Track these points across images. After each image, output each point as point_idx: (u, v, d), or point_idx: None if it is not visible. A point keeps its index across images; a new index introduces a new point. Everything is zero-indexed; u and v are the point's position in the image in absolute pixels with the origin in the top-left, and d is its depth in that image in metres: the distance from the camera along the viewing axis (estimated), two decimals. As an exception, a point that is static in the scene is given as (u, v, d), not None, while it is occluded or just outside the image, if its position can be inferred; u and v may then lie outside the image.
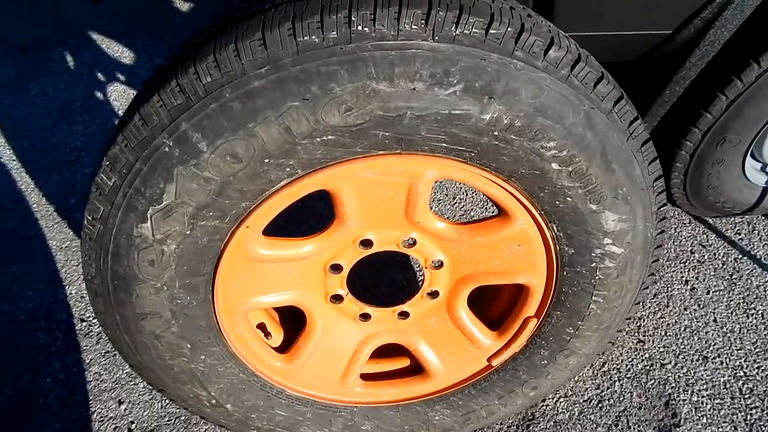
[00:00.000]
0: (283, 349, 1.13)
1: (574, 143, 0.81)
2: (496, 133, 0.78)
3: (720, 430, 1.41)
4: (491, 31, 0.73)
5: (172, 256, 0.85)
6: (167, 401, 1.44)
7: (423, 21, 0.71)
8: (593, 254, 0.95)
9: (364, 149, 0.79)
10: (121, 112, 2.21)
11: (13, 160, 2.03)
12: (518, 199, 0.90)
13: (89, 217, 0.84)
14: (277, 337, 1.15)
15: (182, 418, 1.42)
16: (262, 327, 1.13)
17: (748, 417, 1.43)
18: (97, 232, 0.84)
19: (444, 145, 0.80)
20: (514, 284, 1.07)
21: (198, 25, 2.54)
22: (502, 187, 0.88)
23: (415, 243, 1.00)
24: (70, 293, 1.67)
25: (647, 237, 0.96)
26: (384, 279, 1.69)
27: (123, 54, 2.45)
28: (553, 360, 1.11)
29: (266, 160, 0.77)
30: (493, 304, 1.15)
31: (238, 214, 0.84)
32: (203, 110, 0.73)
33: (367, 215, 0.93)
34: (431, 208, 1.11)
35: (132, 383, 1.48)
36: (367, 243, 0.98)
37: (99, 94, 2.28)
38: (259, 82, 0.72)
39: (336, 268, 1.02)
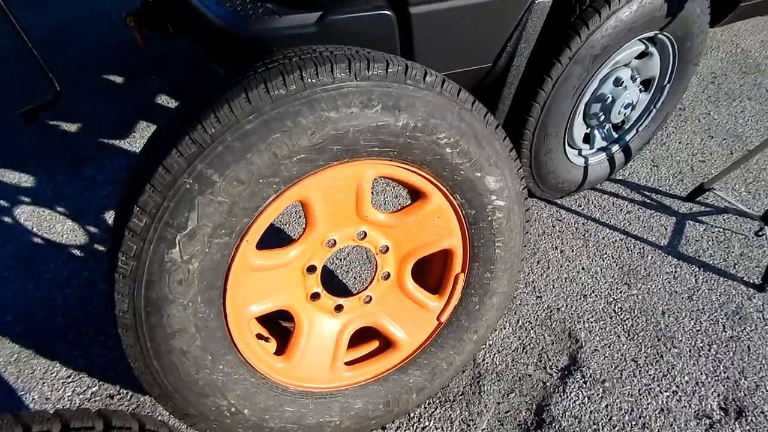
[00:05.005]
0: (278, 353, 1.36)
1: (456, 132, 1.23)
2: (407, 133, 1.18)
3: (609, 340, 1.87)
4: (390, 70, 1.15)
5: (196, 273, 1.09)
6: None
7: (348, 69, 1.10)
8: (487, 210, 1.36)
9: (324, 161, 1.13)
10: (35, 230, 2.28)
11: (-71, 298, 2.00)
12: (430, 181, 1.29)
13: (122, 258, 1.06)
14: (272, 343, 1.38)
15: None
16: (259, 336, 1.35)
17: (624, 326, 1.91)
18: (130, 269, 1.06)
19: (376, 149, 1.17)
20: (441, 253, 1.44)
21: (87, 145, 2.71)
22: (418, 173, 1.27)
23: (366, 235, 1.34)
24: (29, 403, 1.70)
25: (517, 191, 1.40)
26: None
27: (20, 179, 2.52)
28: (482, 303, 1.48)
29: (261, 180, 1.08)
30: (430, 274, 1.51)
31: (241, 230, 1.12)
32: (213, 152, 1.03)
33: (330, 217, 1.25)
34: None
35: None
36: (331, 242, 1.30)
37: (6, 218, 2.33)
38: (250, 125, 1.04)
39: (311, 269, 1.31)
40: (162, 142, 1.08)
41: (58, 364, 1.79)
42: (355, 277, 2.09)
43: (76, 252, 2.21)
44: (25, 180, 2.53)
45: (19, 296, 2.01)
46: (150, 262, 1.05)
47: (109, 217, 2.34)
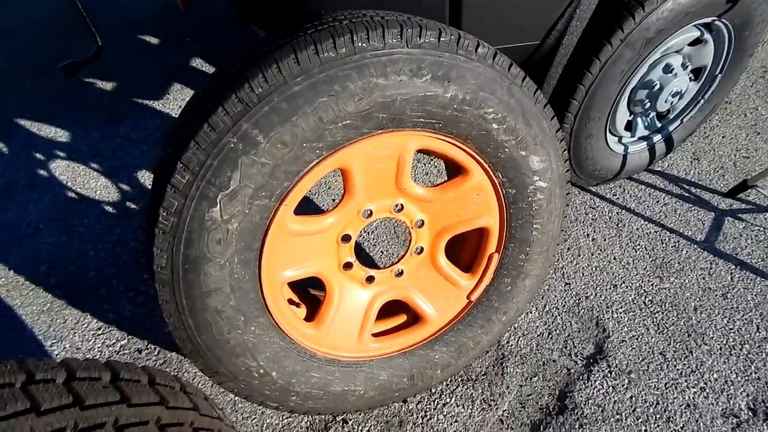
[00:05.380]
0: (307, 319, 1.37)
1: (504, 108, 1.20)
2: (455, 105, 1.15)
3: (637, 332, 1.84)
4: (441, 39, 1.11)
5: (234, 234, 1.09)
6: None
7: (399, 36, 1.07)
8: (528, 190, 1.33)
9: (368, 129, 1.11)
10: (70, 184, 2.31)
11: (-32, 243, 2.06)
12: (473, 157, 1.26)
13: (163, 213, 1.06)
14: (302, 309, 1.38)
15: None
16: (290, 302, 1.35)
17: (654, 319, 1.87)
18: (170, 225, 1.06)
19: (422, 120, 1.15)
20: (476, 231, 1.42)
21: (122, 104, 2.73)
22: (460, 148, 1.24)
23: (402, 208, 1.32)
24: (60, 352, 1.74)
25: (560, 173, 1.36)
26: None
27: (57, 134, 2.56)
28: (514, 285, 1.46)
29: (304, 144, 1.06)
30: (463, 252, 1.49)
31: (281, 193, 1.11)
32: (259, 112, 1.02)
33: (368, 187, 1.23)
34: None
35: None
36: (368, 212, 1.28)
37: (42, 172, 2.37)
38: (297, 87, 1.02)
39: (346, 238, 1.30)
40: (208, 99, 1.07)
41: (89, 316, 1.83)
42: (382, 251, 2.09)
43: (109, 209, 2.24)
44: (61, 135, 2.57)
45: (53, 248, 2.05)
46: (190, 220, 1.05)
47: (142, 176, 2.37)
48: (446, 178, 1.38)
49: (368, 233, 2.14)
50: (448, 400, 1.64)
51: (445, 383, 1.66)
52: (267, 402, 1.35)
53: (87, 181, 2.34)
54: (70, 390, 0.66)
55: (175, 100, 2.78)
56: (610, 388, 1.68)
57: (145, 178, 2.35)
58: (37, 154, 2.45)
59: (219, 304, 1.15)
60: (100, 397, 0.68)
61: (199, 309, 1.14)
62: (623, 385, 1.69)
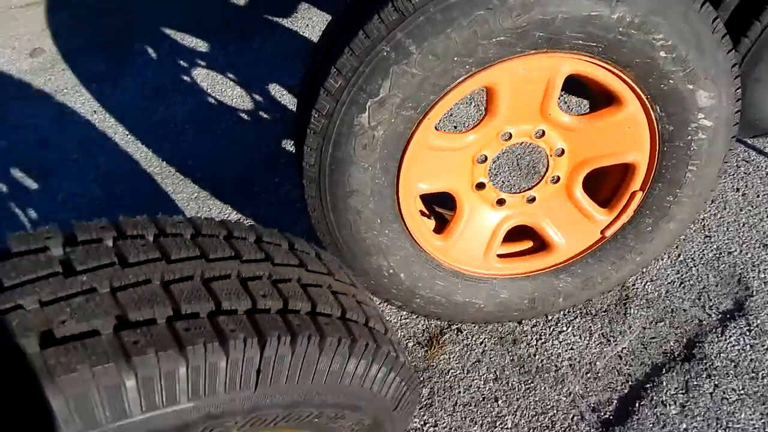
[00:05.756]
0: (436, 232, 1.43)
1: (676, 35, 1.09)
2: (620, 29, 1.07)
3: (787, 297, 1.68)
4: (614, -49, 1.02)
5: (379, 141, 1.15)
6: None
7: (567, -53, 1.01)
8: (689, 128, 1.22)
9: (522, 48, 1.08)
10: (209, 91, 2.53)
11: (127, 135, 2.36)
12: (630, 87, 1.18)
13: (315, 115, 1.14)
14: (432, 222, 1.45)
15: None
16: (421, 213, 1.42)
17: (809, 286, 1.69)
18: (321, 126, 1.15)
19: (580, 42, 1.09)
20: (620, 166, 1.35)
21: (256, 20, 2.86)
22: (618, 76, 1.16)
23: (543, 134, 1.29)
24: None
25: (729, 113, 1.23)
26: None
27: (198, 44, 2.77)
28: (656, 226, 1.39)
29: (455, 58, 1.07)
30: (602, 187, 1.44)
31: (426, 106, 1.14)
32: (414, 22, 1.03)
33: (512, 109, 1.22)
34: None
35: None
36: (507, 135, 1.28)
37: (186, 78, 2.61)
38: (455, -2, 1.02)
39: (482, 158, 1.31)
40: (362, 8, 1.10)
41: (229, 208, 2.06)
42: (503, 182, 2.06)
43: (243, 116, 2.43)
44: (201, 46, 2.78)
45: (197, 147, 2.29)
46: (340, 123, 1.13)
47: (273, 89, 2.52)
48: (587, 111, 1.31)
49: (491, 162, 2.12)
50: (564, 329, 1.66)
51: (563, 313, 1.67)
52: (392, 300, 1.46)
53: (224, 90, 2.54)
54: (261, 249, 0.79)
55: (303, 19, 2.87)
56: (748, 345, 1.58)
57: (275, 90, 2.50)
58: (181, 62, 2.69)
59: (359, 205, 1.24)
60: (285, 259, 0.80)
61: (341, 207, 1.25)
62: (763, 345, 1.58)
